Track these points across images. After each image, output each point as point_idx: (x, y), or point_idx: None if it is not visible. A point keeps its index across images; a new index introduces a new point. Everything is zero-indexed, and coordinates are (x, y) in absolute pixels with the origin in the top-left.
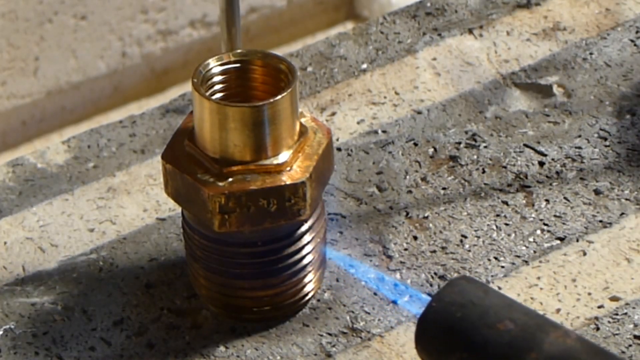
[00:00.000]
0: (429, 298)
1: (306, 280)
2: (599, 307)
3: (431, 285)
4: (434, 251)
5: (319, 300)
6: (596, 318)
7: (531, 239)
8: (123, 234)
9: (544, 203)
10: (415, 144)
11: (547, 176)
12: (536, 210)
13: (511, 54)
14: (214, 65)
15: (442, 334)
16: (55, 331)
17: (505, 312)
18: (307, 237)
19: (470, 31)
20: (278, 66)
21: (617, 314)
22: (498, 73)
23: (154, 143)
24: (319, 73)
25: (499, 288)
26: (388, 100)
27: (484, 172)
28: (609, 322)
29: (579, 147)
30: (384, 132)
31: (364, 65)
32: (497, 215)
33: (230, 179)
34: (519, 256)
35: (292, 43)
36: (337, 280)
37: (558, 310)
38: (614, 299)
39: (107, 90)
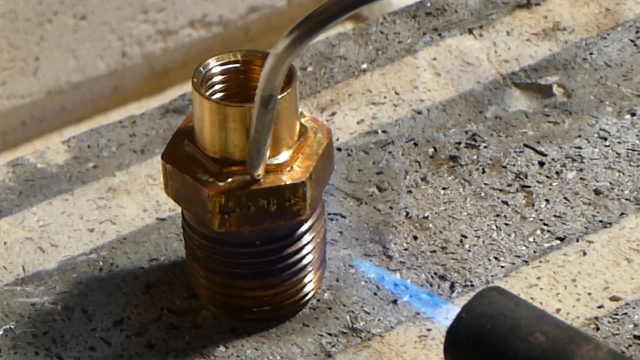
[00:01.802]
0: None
1: (306, 280)
2: (599, 307)
3: (431, 285)
4: (434, 251)
5: (319, 300)
6: (596, 318)
7: (531, 239)
8: (123, 234)
9: (544, 203)
10: (415, 144)
11: (547, 176)
12: (536, 210)
13: (511, 54)
14: (214, 65)
15: (472, 346)
16: (55, 331)
17: (537, 325)
18: (307, 237)
19: (470, 31)
20: None
21: (617, 314)
22: (498, 73)
23: (154, 143)
24: (319, 73)
25: None
26: (388, 100)
27: (484, 172)
28: (609, 322)
29: (579, 147)
30: (384, 132)
31: (364, 65)
32: (497, 215)
33: (230, 179)
34: (519, 256)
35: None
36: (337, 280)
37: (558, 310)
38: (614, 299)
39: (107, 90)
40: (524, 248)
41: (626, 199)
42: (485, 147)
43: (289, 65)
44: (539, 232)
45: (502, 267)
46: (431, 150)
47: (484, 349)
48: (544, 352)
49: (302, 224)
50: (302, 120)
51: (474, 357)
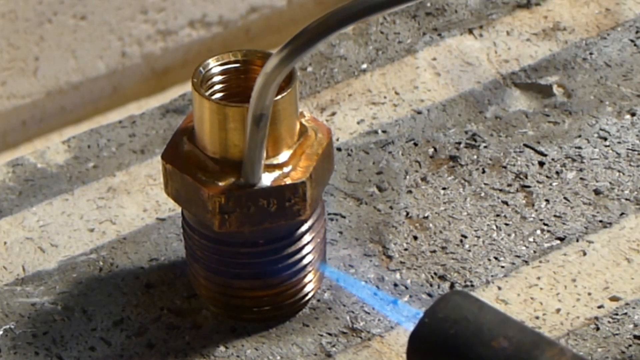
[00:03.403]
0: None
1: (306, 280)
2: (599, 307)
3: (431, 285)
4: (434, 251)
5: (319, 300)
6: (596, 318)
7: (531, 239)
8: (123, 234)
9: (544, 203)
10: (415, 144)
11: (547, 176)
12: (536, 210)
13: (511, 54)
14: (214, 65)
15: (435, 351)
16: (55, 331)
17: (500, 329)
18: (307, 237)
19: (470, 31)
20: None
21: (617, 314)
22: (498, 73)
23: (154, 143)
24: (319, 73)
25: (499, 288)
26: (388, 100)
27: (484, 172)
28: (609, 322)
29: (579, 147)
30: (384, 132)
31: (364, 65)
32: (497, 215)
33: (230, 179)
34: (519, 256)
35: None
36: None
37: (558, 310)
38: (614, 299)
39: (106, 91)
40: (524, 248)
41: (626, 199)
42: (485, 147)
43: (279, 83)
44: (539, 232)
45: (502, 267)
46: (431, 150)
47: (447, 355)
48: (508, 358)
49: (302, 224)
50: (302, 120)
51: None
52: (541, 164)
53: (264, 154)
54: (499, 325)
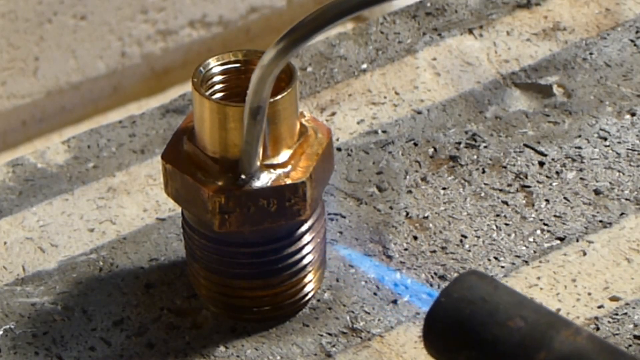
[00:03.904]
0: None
1: (306, 280)
2: (599, 307)
3: (431, 285)
4: (434, 251)
5: (319, 300)
6: (596, 318)
7: (531, 239)
8: (123, 234)
9: (544, 203)
10: (415, 144)
11: (547, 176)
12: (536, 210)
13: (511, 54)
14: (214, 65)
15: (451, 331)
16: (55, 331)
17: (516, 309)
18: (307, 237)
19: (470, 31)
20: None
21: (617, 314)
22: (498, 73)
23: (154, 143)
24: (319, 73)
25: None
26: (388, 100)
27: (484, 172)
28: (609, 322)
29: (579, 147)
30: (384, 132)
31: (364, 65)
32: (497, 215)
33: (231, 179)
34: (519, 256)
35: None
36: (337, 280)
37: (558, 310)
38: (614, 299)
39: (106, 90)
40: (524, 248)
41: (626, 199)
42: (485, 147)
43: (276, 76)
44: (539, 232)
45: (502, 267)
46: (431, 150)
47: (463, 334)
48: (523, 337)
49: (302, 224)
50: (302, 120)
51: (453, 343)
52: (541, 164)
53: (261, 148)
54: (514, 306)
